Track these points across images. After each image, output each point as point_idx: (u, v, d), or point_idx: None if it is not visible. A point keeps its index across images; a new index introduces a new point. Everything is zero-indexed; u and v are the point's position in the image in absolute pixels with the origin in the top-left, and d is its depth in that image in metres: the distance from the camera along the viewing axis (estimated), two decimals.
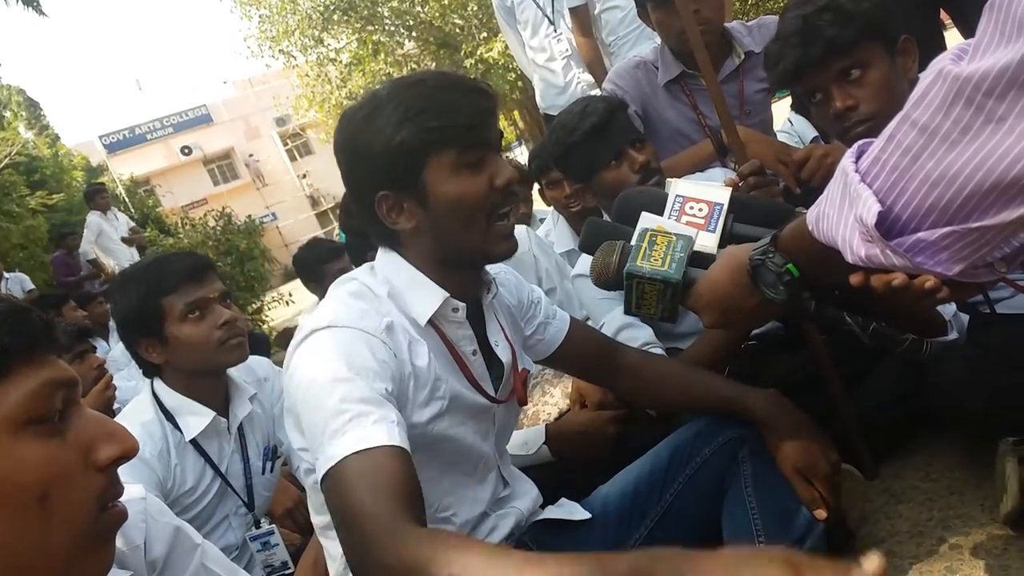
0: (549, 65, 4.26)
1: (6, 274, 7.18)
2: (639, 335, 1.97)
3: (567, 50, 4.17)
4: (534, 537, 1.42)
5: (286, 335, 6.67)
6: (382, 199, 1.24)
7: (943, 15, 2.68)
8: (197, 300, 1.79)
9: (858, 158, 0.81)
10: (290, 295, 9.70)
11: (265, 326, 9.01)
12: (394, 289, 1.28)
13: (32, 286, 7.35)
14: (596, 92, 4.10)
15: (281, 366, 2.31)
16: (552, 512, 1.46)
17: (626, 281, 1.20)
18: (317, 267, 3.51)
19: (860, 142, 0.82)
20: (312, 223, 34.94)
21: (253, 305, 8.88)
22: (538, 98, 4.45)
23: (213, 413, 1.84)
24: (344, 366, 1.09)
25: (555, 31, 4.16)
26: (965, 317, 1.65)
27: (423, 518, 0.99)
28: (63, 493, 0.72)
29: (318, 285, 3.52)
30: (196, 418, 1.83)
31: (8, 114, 20.88)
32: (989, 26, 0.66)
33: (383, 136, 1.20)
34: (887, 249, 0.77)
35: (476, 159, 1.22)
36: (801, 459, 1.32)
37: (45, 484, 0.71)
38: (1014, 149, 0.65)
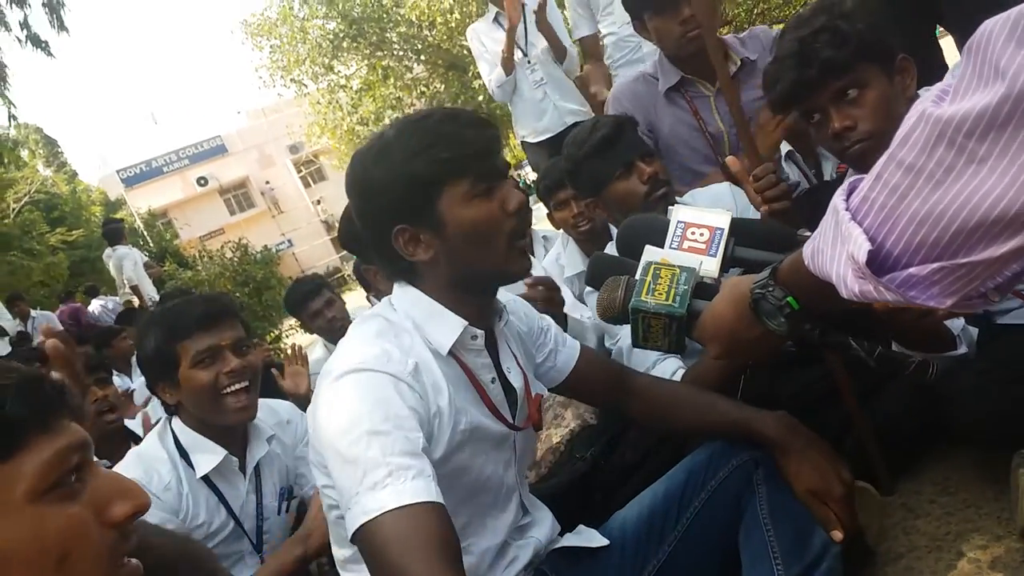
0: (523, 91, 4.39)
1: (32, 313, 7.30)
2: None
3: (542, 78, 4.31)
4: (553, 567, 1.43)
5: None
6: (399, 233, 1.27)
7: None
8: (209, 347, 1.83)
9: (848, 195, 0.84)
10: None
11: (284, 354, 9.09)
12: (415, 321, 1.31)
13: (60, 327, 7.46)
14: (576, 118, 4.24)
15: None
16: (570, 540, 1.47)
17: (632, 316, 1.23)
18: (301, 306, 3.65)
19: (851, 179, 0.85)
20: (328, 248, 35.22)
21: (272, 333, 8.96)
22: (515, 125, 4.57)
23: (224, 452, 1.87)
24: (380, 417, 1.12)
25: (528, 60, 4.31)
26: (974, 330, 1.65)
27: (463, 573, 1.03)
28: (81, 554, 0.75)
29: (309, 323, 3.66)
30: (208, 456, 1.86)
31: (26, 153, 21.24)
32: (968, 69, 0.69)
33: (396, 171, 1.24)
34: (879, 286, 0.79)
35: (488, 187, 1.26)
36: (814, 482, 1.33)
37: (65, 547, 0.74)
38: (996, 188, 0.67)
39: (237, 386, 1.84)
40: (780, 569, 1.30)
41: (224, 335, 1.86)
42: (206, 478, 1.86)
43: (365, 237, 1.35)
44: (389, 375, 1.18)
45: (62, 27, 8.60)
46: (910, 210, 0.74)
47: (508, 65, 4.32)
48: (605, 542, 1.46)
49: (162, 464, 1.82)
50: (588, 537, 1.47)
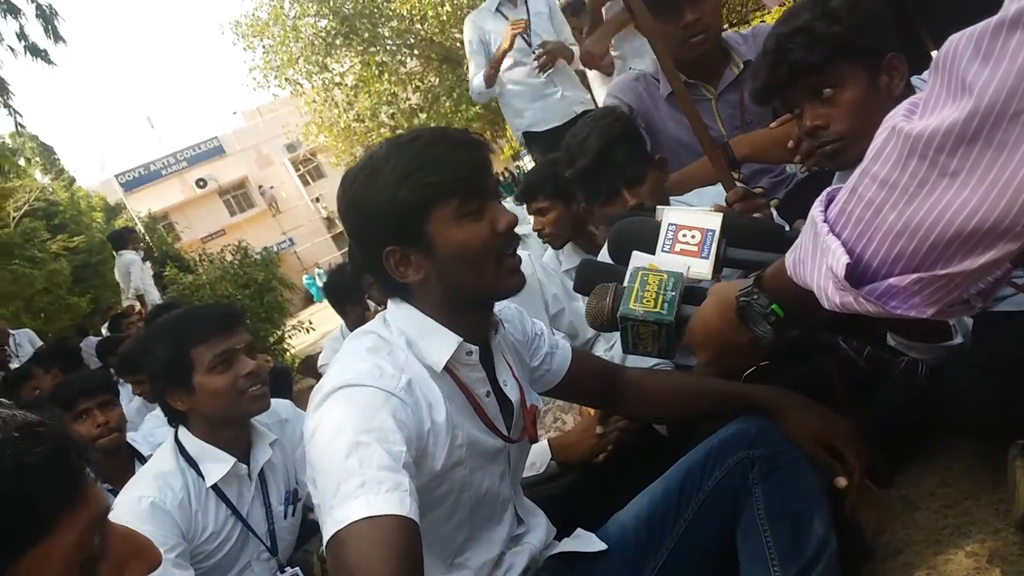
0: (528, 81, 4.35)
1: (13, 332, 7.17)
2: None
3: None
4: (551, 572, 1.43)
5: (309, 363, 6.74)
6: (389, 254, 1.28)
7: None
8: (224, 351, 1.86)
9: (827, 206, 0.84)
10: (310, 322, 9.81)
11: (287, 354, 9.09)
12: (409, 339, 1.31)
13: (40, 342, 7.35)
14: (584, 107, 4.20)
15: (305, 394, 2.33)
16: (568, 544, 1.47)
17: (621, 324, 1.23)
18: (354, 289, 3.57)
19: (829, 189, 0.85)
20: (329, 245, 35.24)
21: (274, 335, 8.96)
22: (513, 117, 4.54)
23: (233, 459, 1.90)
24: (363, 429, 1.12)
25: (533, 51, 4.31)
26: (969, 321, 1.65)
27: None
28: None
29: (354, 307, 3.58)
30: (217, 464, 1.89)
31: (23, 161, 21.22)
32: (936, 84, 0.69)
33: (385, 195, 1.24)
34: (860, 297, 0.79)
35: (476, 208, 1.26)
36: (816, 425, 1.37)
37: None
38: (970, 202, 0.67)
39: (255, 389, 1.89)
40: (777, 569, 1.31)
41: (239, 338, 1.91)
42: (215, 487, 1.87)
43: (358, 255, 1.35)
44: (380, 389, 1.18)
45: (58, 38, 8.54)
46: (886, 223, 0.74)
47: (491, 80, 4.38)
48: (603, 546, 1.46)
49: (174, 477, 1.84)
50: (586, 541, 1.48)
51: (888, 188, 0.73)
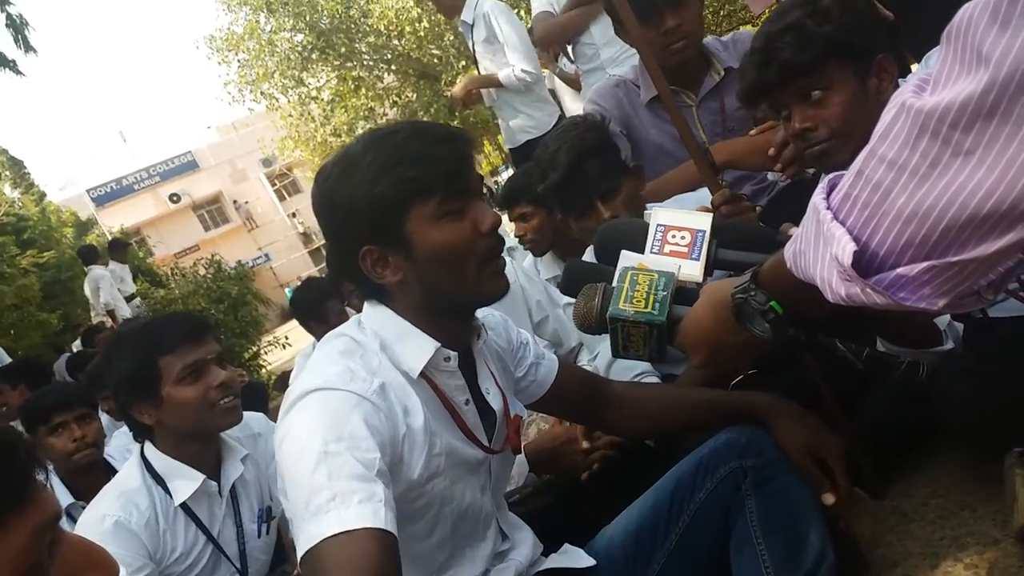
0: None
1: None
2: (635, 364, 1.94)
3: (495, 99, 4.35)
4: None
5: (285, 379, 6.64)
6: (366, 254, 1.21)
7: None
8: (194, 362, 1.78)
9: (829, 193, 0.79)
10: (286, 338, 9.68)
11: (263, 371, 8.95)
12: (384, 342, 1.25)
13: (9, 359, 7.24)
14: (528, 136, 4.14)
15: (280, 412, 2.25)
16: (555, 561, 1.42)
17: (610, 325, 1.18)
18: (318, 305, 3.53)
19: (831, 175, 0.80)
20: (306, 261, 34.96)
21: (249, 351, 8.82)
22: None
23: (203, 476, 1.81)
24: (332, 437, 1.06)
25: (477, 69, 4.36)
26: (959, 326, 1.62)
27: None
28: None
29: (319, 324, 3.53)
30: (186, 482, 1.80)
31: None
32: (948, 56, 0.64)
33: (361, 191, 1.18)
34: (867, 288, 0.74)
35: (458, 206, 1.20)
36: (807, 438, 1.32)
37: None
38: (986, 182, 0.63)
39: (226, 401, 1.80)
40: None
41: (209, 348, 1.82)
42: (184, 505, 1.79)
43: (333, 256, 1.29)
44: (351, 393, 1.12)
45: (29, 48, 8.37)
46: (895, 208, 0.69)
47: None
48: (592, 562, 1.41)
49: (140, 495, 1.76)
50: (574, 557, 1.42)
51: (897, 169, 0.68)
